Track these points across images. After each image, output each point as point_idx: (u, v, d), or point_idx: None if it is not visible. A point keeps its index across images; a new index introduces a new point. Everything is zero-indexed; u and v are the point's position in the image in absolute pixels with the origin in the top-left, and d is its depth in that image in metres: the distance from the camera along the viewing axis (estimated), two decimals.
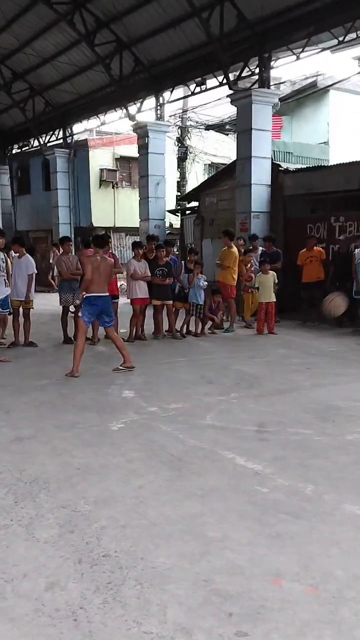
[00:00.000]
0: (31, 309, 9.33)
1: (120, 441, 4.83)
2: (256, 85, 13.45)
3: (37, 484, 3.96)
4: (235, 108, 14.24)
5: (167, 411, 5.71)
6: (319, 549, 3.10)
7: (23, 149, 25.46)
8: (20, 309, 9.30)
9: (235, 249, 11.36)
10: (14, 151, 26.19)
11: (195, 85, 16.36)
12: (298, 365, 7.96)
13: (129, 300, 10.03)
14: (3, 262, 8.02)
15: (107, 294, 7.49)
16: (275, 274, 10.63)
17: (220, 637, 2.42)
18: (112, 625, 2.50)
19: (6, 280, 8.07)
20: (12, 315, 9.33)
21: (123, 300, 10.68)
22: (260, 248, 12.14)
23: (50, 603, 2.67)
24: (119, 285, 10.67)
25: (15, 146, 25.88)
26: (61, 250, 10.58)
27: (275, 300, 10.64)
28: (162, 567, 2.95)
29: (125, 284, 10.95)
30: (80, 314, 7.43)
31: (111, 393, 6.42)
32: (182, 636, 2.42)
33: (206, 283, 10.51)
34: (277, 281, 10.61)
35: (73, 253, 10.52)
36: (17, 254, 9.21)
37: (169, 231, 19.06)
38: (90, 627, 2.49)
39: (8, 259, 8.47)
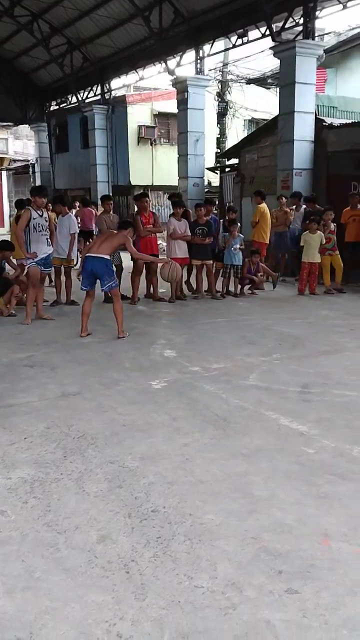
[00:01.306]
0: (73, 268, 9.38)
1: (164, 399, 4.86)
2: (300, 37, 12.93)
3: (85, 439, 4.03)
4: (278, 61, 13.76)
5: (209, 371, 5.71)
6: None
7: (61, 106, 25.23)
8: (62, 268, 9.35)
9: (263, 205, 11.15)
10: (51, 108, 25.99)
11: (236, 37, 15.82)
12: (341, 326, 7.84)
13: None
14: (46, 221, 8.03)
15: (100, 255, 7.03)
16: (322, 234, 10.38)
17: (271, 594, 2.44)
18: (164, 579, 2.55)
19: (48, 239, 8.09)
20: (54, 274, 9.40)
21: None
22: (303, 206, 11.88)
23: (103, 555, 2.73)
24: (158, 244, 10.62)
25: (53, 103, 25.67)
26: (100, 209, 10.53)
27: (320, 260, 10.43)
28: (211, 523, 2.98)
29: (165, 243, 10.87)
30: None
31: (153, 352, 6.45)
32: (233, 591, 2.46)
33: (242, 245, 10.32)
34: (324, 242, 10.36)
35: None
36: (60, 213, 9.22)
37: (207, 189, 18.80)
38: (142, 579, 2.55)
39: (51, 218, 8.48)
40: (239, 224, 10.61)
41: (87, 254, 7.13)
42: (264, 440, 4.01)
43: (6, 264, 9.18)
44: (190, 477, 3.46)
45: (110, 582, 2.54)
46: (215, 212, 13.80)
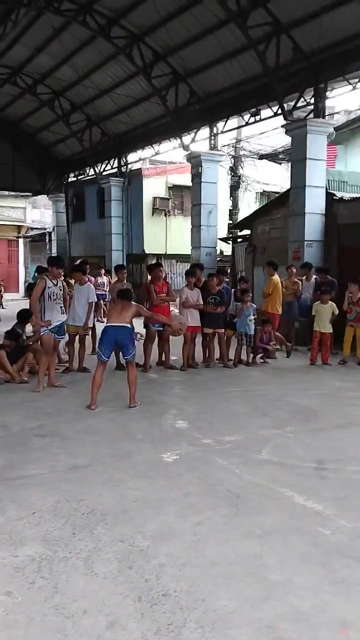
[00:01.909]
0: (87, 336, 9.43)
1: (176, 473, 4.78)
2: (311, 115, 13.45)
3: (95, 515, 3.94)
4: (290, 138, 14.27)
5: (221, 444, 5.63)
6: None
7: (79, 178, 26.16)
8: (77, 336, 9.41)
9: (275, 277, 11.30)
10: (70, 179, 26.93)
11: (249, 115, 16.49)
12: (355, 398, 7.75)
13: None
14: (60, 290, 8.17)
15: (123, 324, 7.06)
16: (334, 305, 10.43)
17: None
18: None
19: (62, 307, 8.20)
20: (67, 342, 9.45)
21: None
22: (314, 277, 12.01)
23: None
24: (171, 312, 10.70)
25: (72, 175, 26.63)
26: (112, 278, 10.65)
27: (331, 331, 10.44)
28: (224, 610, 2.87)
29: (177, 310, 10.97)
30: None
31: (165, 422, 6.39)
32: None
33: (255, 314, 10.41)
34: (336, 312, 10.40)
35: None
36: (78, 282, 9.36)
37: (219, 259, 19.11)
38: None
39: (66, 287, 8.62)
40: (250, 294, 10.72)
41: (108, 324, 7.14)
42: (278, 520, 3.90)
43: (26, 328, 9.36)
44: (203, 559, 3.35)
45: None
46: (227, 280, 13.98)
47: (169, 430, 6.10)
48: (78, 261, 12.44)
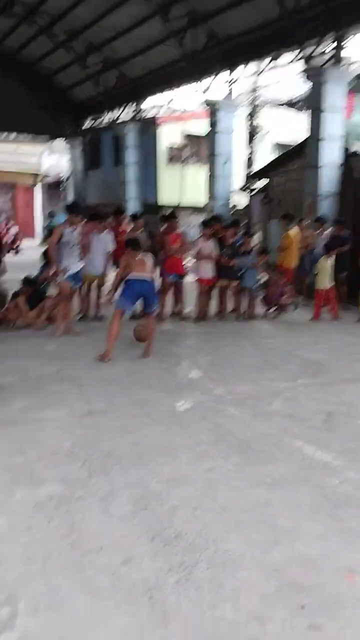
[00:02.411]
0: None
1: (189, 422, 4.89)
2: (331, 63, 13.02)
3: (110, 459, 4.07)
4: (308, 86, 13.85)
5: (233, 394, 5.73)
6: None
7: (95, 122, 25.69)
8: (95, 284, 9.43)
9: (291, 232, 11.16)
10: (86, 124, 26.46)
11: (268, 61, 15.99)
12: None
13: (195, 280, 10.05)
14: (78, 237, 8.16)
15: (147, 278, 7.07)
16: (333, 259, 10.38)
17: (294, 630, 2.44)
18: (187, 607, 2.56)
19: (79, 255, 8.20)
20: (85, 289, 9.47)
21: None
22: (327, 231, 11.87)
23: (127, 578, 2.76)
24: (184, 263, 10.67)
25: (88, 119, 26.15)
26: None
27: (332, 284, 10.38)
28: (234, 553, 2.99)
29: (192, 262, 10.94)
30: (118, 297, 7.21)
31: (179, 373, 6.48)
32: (256, 625, 2.47)
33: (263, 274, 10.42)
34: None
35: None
36: (97, 230, 9.26)
37: (234, 210, 18.89)
38: (166, 606, 2.57)
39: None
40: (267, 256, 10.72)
41: (132, 277, 7.00)
42: (288, 470, 4.01)
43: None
44: (214, 504, 3.48)
45: (134, 607, 2.56)
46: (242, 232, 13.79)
47: (182, 381, 6.20)
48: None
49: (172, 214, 10.42)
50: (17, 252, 22.42)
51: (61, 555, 2.95)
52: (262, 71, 17.24)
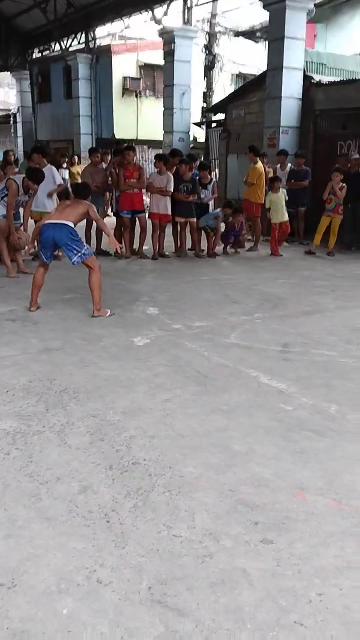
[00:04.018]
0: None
1: (146, 356, 4.90)
2: None
3: (67, 393, 4.07)
4: (268, 13, 13.38)
5: (191, 329, 5.75)
6: (342, 466, 3.18)
7: (44, 54, 24.41)
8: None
9: (260, 165, 11.00)
10: (34, 55, 25.14)
11: None
12: (323, 287, 7.89)
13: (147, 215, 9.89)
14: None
15: (62, 221, 6.03)
16: (285, 191, 10.35)
17: (247, 544, 2.53)
18: (143, 528, 2.62)
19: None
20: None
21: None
22: (289, 165, 11.77)
23: (84, 505, 2.79)
24: (143, 200, 10.47)
25: (36, 50, 24.82)
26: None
27: (287, 219, 10.40)
28: (190, 476, 3.05)
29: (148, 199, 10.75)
30: None
31: (136, 309, 6.46)
32: (210, 541, 2.54)
33: (218, 211, 10.31)
34: (286, 198, 10.33)
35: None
36: (39, 164, 8.94)
37: (192, 145, 18.50)
38: (122, 528, 2.62)
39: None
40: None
41: (46, 222, 6.13)
42: (243, 397, 4.08)
43: None
44: (171, 432, 3.53)
45: (91, 531, 2.60)
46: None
47: (140, 317, 6.18)
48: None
49: (127, 146, 10.11)
50: None
51: (19, 486, 2.96)
52: None
